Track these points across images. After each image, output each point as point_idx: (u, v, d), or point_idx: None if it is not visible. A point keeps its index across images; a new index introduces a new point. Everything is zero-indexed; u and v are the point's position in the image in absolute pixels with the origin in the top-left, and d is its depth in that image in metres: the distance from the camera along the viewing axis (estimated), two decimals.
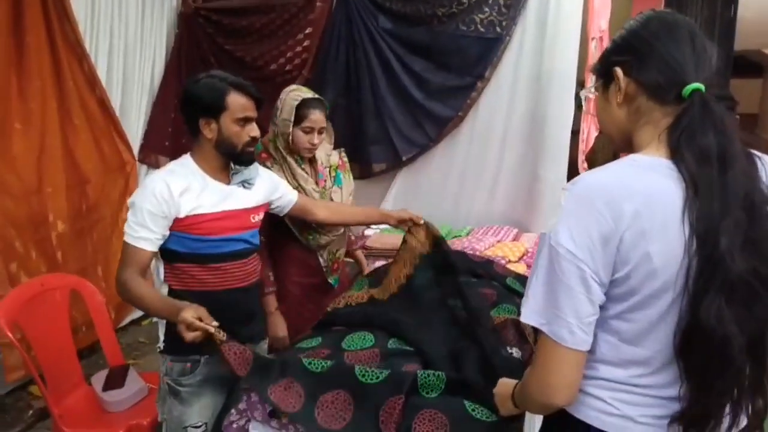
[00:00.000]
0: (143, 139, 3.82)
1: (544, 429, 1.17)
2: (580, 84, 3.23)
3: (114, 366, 2.34)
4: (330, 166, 2.25)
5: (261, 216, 1.82)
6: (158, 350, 1.73)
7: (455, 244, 2.86)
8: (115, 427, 2.04)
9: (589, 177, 0.92)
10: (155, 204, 1.55)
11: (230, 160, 1.69)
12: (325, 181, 2.20)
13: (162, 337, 1.72)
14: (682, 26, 0.95)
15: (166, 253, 1.64)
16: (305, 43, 3.61)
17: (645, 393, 0.96)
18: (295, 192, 1.97)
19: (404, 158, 3.44)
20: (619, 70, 0.98)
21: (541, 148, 3.17)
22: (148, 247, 1.58)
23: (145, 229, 1.56)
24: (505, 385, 1.23)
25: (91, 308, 2.36)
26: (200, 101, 1.59)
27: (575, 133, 3.21)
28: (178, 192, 1.58)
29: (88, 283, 2.42)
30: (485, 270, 2.24)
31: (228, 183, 1.71)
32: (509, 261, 2.64)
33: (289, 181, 2.06)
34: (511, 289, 2.11)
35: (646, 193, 0.88)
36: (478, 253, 2.69)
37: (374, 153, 3.51)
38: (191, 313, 1.41)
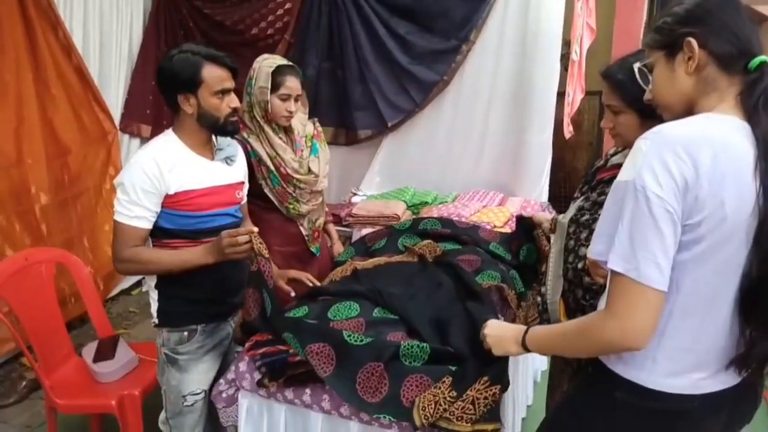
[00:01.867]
0: (124, 108, 3.75)
1: (579, 385, 1.23)
2: (566, 44, 3.19)
3: (104, 337, 2.36)
4: (306, 136, 2.23)
5: (243, 193, 1.84)
6: (153, 325, 1.75)
7: (441, 211, 2.88)
8: (107, 398, 2.07)
9: (668, 127, 0.98)
10: (147, 181, 1.56)
11: (214, 133, 1.70)
12: (302, 150, 2.19)
13: (155, 314, 1.73)
14: (739, 1, 1.03)
15: (154, 230, 1.65)
16: (287, 6, 3.52)
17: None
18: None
19: (390, 124, 3.41)
20: (693, 41, 1.01)
21: (527, 112, 3.15)
22: (144, 225, 1.60)
23: (139, 206, 1.57)
24: (502, 327, 1.32)
25: (77, 280, 2.35)
26: (176, 77, 1.58)
27: (561, 95, 3.19)
28: (167, 168, 1.58)
29: (73, 256, 2.41)
30: (470, 236, 2.26)
31: (212, 159, 1.71)
32: (494, 226, 2.66)
33: (267, 151, 2.07)
34: (495, 254, 2.14)
35: (722, 141, 0.95)
36: (464, 219, 2.70)
37: (359, 119, 3.47)
38: (227, 240, 1.53)
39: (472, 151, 3.36)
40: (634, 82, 1.36)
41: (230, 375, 1.65)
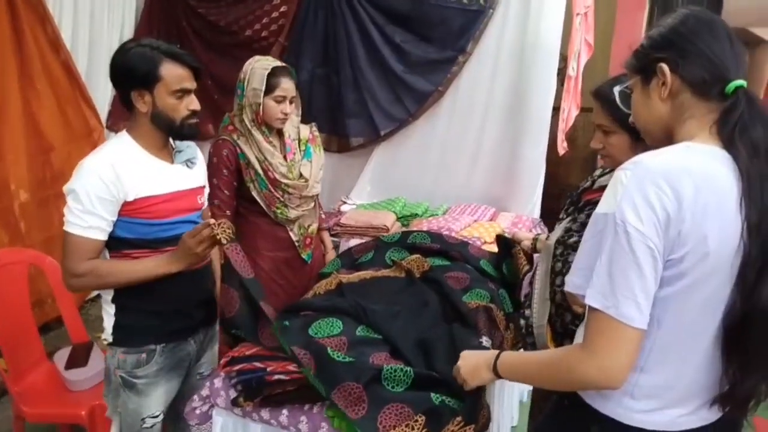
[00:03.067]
0: (111, 105, 3.66)
1: (556, 414, 1.20)
2: (563, 59, 3.16)
3: (77, 343, 2.28)
4: (299, 140, 2.20)
5: (204, 197, 1.73)
6: (106, 344, 1.60)
7: (432, 224, 2.83)
8: (77, 407, 2.00)
9: (647, 158, 0.94)
10: (103, 188, 1.42)
11: (169, 136, 1.58)
12: (294, 154, 2.15)
13: (109, 329, 1.58)
14: (719, 24, 0.99)
15: (110, 240, 1.51)
16: (282, 9, 3.47)
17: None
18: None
19: (383, 133, 3.36)
20: (665, 67, 0.99)
21: (522, 126, 3.11)
22: (99, 236, 1.46)
23: (94, 216, 1.43)
24: (475, 356, 1.26)
25: (52, 283, 2.27)
26: (131, 72, 1.46)
27: (556, 110, 3.16)
28: (124, 174, 1.46)
29: (48, 258, 2.33)
30: (460, 252, 2.21)
31: (171, 162, 1.60)
32: (484, 242, 2.61)
33: (255, 155, 2.03)
34: (484, 272, 2.09)
35: (705, 174, 0.92)
36: (454, 233, 2.65)
37: (352, 126, 3.42)
38: (190, 240, 1.46)
39: (465, 163, 3.31)
40: (625, 102, 1.34)
41: (204, 391, 1.58)
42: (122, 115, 3.67)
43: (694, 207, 0.90)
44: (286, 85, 2.01)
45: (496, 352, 1.19)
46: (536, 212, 3.23)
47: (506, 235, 2.13)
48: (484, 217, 3.01)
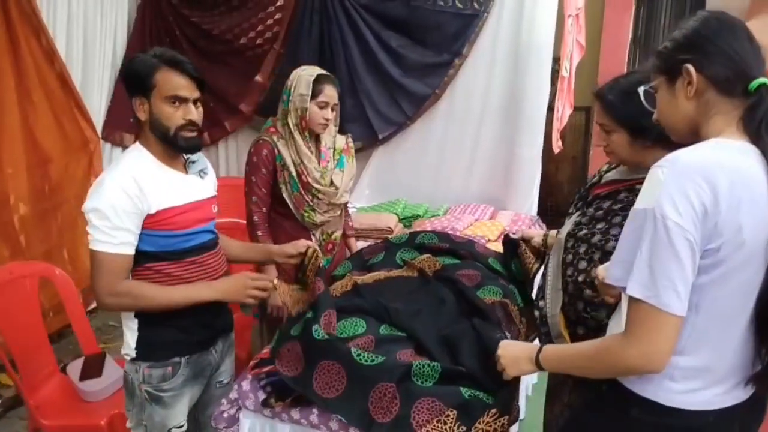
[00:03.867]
0: (106, 116, 3.67)
1: (594, 400, 1.24)
2: (556, 61, 3.24)
3: (90, 354, 2.27)
4: (334, 149, 2.29)
5: (217, 207, 1.73)
6: (129, 359, 1.59)
7: (435, 224, 2.87)
8: (97, 417, 1.99)
9: (684, 154, 0.99)
10: (128, 202, 1.42)
11: (165, 145, 1.53)
12: (328, 162, 2.24)
13: (132, 344, 1.56)
14: (738, 24, 1.05)
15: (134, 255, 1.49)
16: (277, 16, 3.50)
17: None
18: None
19: (381, 136, 3.40)
20: (691, 67, 1.04)
21: (517, 126, 3.18)
22: (129, 252, 1.45)
23: (123, 231, 1.42)
24: (516, 346, 1.31)
25: (62, 295, 2.27)
26: (131, 79, 1.47)
27: (549, 109, 3.23)
28: (146, 186, 1.45)
29: (59, 270, 2.33)
30: (468, 250, 2.25)
31: (185, 172, 1.61)
32: (489, 240, 2.66)
33: (292, 158, 2.13)
34: (494, 269, 2.13)
35: (737, 168, 0.98)
36: (458, 233, 2.70)
37: (350, 131, 3.39)
38: (249, 280, 1.53)
39: (463, 164, 3.37)
40: (623, 102, 1.44)
41: (233, 395, 1.60)
42: (118, 125, 3.68)
43: (729, 200, 0.95)
44: (330, 92, 2.11)
45: (538, 345, 1.24)
46: (534, 210, 3.30)
47: (513, 236, 2.16)
48: (484, 216, 3.06)
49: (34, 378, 2.11)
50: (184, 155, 1.61)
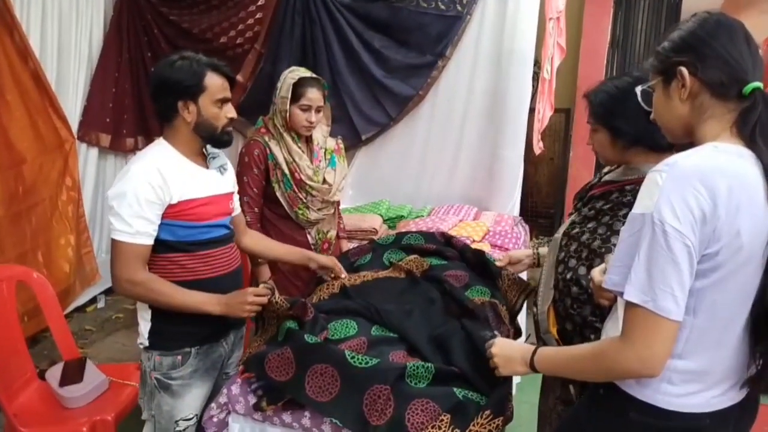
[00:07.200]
0: (82, 116, 3.57)
1: (591, 403, 1.24)
2: (537, 63, 3.28)
3: (69, 359, 2.22)
4: (326, 149, 2.31)
5: (235, 203, 1.82)
6: (142, 347, 1.67)
7: (419, 225, 2.87)
8: (78, 424, 1.94)
9: (682, 159, 0.99)
10: (151, 192, 1.50)
11: (209, 143, 1.67)
12: (320, 161, 2.25)
13: (145, 334, 1.64)
14: (737, 27, 1.04)
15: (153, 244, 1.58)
16: (257, 15, 3.46)
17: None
18: (238, 206, 1.91)
19: (364, 137, 3.40)
20: (684, 70, 1.04)
21: (500, 127, 3.21)
22: (147, 242, 1.53)
23: (143, 220, 1.50)
24: (511, 347, 1.30)
25: (40, 299, 2.21)
26: (178, 84, 1.55)
27: (531, 111, 3.27)
28: (169, 177, 1.54)
29: (36, 273, 2.27)
30: (454, 251, 2.25)
31: (207, 167, 1.69)
32: (473, 240, 2.68)
33: (284, 157, 2.14)
34: (486, 266, 2.13)
35: (735, 173, 0.98)
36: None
37: (333, 131, 3.40)
38: (249, 296, 1.55)
39: (446, 165, 3.39)
40: (603, 103, 1.51)
41: (222, 399, 1.57)
42: (94, 125, 3.60)
43: (728, 205, 0.95)
44: (312, 95, 2.11)
45: (533, 347, 1.23)
46: (516, 210, 3.33)
47: (498, 262, 2.03)
48: (468, 216, 3.08)
49: (11, 385, 2.04)
50: (205, 151, 1.70)
